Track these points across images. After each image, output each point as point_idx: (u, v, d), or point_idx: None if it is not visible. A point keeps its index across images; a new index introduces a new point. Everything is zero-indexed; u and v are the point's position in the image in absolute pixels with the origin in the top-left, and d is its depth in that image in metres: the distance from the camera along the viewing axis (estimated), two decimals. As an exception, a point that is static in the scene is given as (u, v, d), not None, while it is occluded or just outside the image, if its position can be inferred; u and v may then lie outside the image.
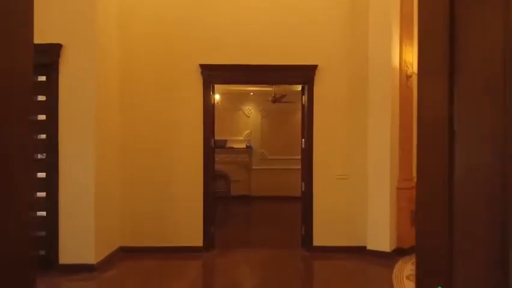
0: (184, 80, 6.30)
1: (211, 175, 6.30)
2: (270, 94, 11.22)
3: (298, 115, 11.91)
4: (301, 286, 5.34)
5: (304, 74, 6.36)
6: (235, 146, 11.84)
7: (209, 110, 6.27)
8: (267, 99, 11.46)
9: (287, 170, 11.90)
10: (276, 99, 9.45)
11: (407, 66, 6.29)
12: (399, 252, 6.14)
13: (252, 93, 11.60)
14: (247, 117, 12.04)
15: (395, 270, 5.55)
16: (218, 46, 6.31)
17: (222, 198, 11.63)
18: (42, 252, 5.39)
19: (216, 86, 6.76)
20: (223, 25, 6.34)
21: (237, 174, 11.80)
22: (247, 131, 12.01)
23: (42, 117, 5.39)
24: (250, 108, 12.03)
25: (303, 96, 6.56)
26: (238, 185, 11.80)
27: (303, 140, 6.51)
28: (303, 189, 6.56)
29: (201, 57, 6.28)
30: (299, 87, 11.31)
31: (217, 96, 9.28)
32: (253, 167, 11.95)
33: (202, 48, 6.30)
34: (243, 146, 11.90)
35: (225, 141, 11.83)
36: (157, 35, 6.31)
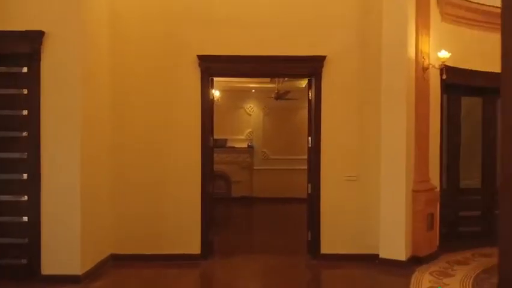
0: (180, 73, 5.77)
1: (209, 176, 5.78)
2: (272, 91, 10.71)
3: (303, 113, 11.40)
4: (309, 299, 4.83)
5: (312, 66, 5.84)
6: (236, 146, 11.33)
7: (208, 105, 5.75)
8: (270, 96, 10.94)
9: (291, 170, 11.37)
10: (279, 96, 8.95)
11: (423, 58, 5.77)
12: (415, 261, 5.61)
13: (253, 90, 11.09)
14: (249, 116, 11.53)
15: (412, 281, 5.02)
16: (217, 36, 5.79)
17: (222, 200, 11.12)
18: (23, 261, 4.88)
19: (215, 82, 6.25)
20: (223, 13, 5.82)
21: (238, 174, 11.29)
22: (249, 130, 11.50)
23: (23, 112, 4.88)
24: (251, 106, 11.52)
25: (310, 91, 6.04)
26: (240, 186, 11.28)
27: (310, 138, 5.99)
28: (309, 191, 6.05)
29: (199, 48, 5.75)
30: (303, 84, 10.79)
31: (216, 93, 8.78)
32: (255, 167, 11.43)
33: (201, 37, 5.78)
34: (244, 145, 11.39)
35: (226, 140, 11.32)
36: (151, 23, 5.79)
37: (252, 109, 11.52)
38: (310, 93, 6.04)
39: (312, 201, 5.94)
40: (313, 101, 5.91)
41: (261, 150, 11.48)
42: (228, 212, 10.57)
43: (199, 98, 5.69)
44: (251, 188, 11.37)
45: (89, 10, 5.10)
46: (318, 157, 5.83)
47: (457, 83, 6.44)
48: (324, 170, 5.82)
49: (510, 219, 3.51)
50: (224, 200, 11.16)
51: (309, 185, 6.04)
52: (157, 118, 5.70)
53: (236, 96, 11.31)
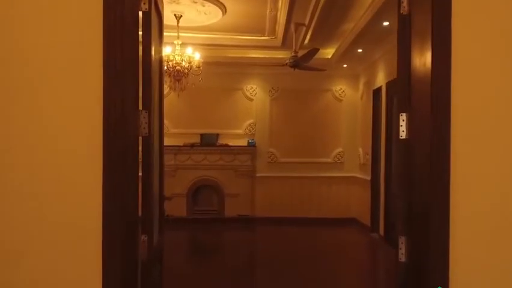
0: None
1: (132, 200, 2.38)
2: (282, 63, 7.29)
3: (327, 97, 8.08)
4: None
5: None
6: (231, 144, 7.95)
7: (131, 55, 2.33)
8: (281, 65, 7.56)
9: (309, 179, 8.04)
10: (296, 63, 5.55)
11: None
12: None
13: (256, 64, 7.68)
14: (250, 101, 8.14)
15: None
16: None
17: (211, 222, 7.80)
18: None
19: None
20: None
21: (234, 185, 7.91)
22: (250, 122, 8.11)
23: None
24: (254, 87, 8.12)
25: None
26: (236, 202, 7.91)
27: (403, 120, 2.53)
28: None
29: None
30: (330, 53, 7.43)
31: (196, 56, 5.36)
32: (258, 175, 8.06)
33: None
34: (244, 143, 8.01)
35: (216, 136, 7.95)
36: None
37: (255, 91, 8.13)
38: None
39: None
40: (434, 60, 2.46)
41: (266, 151, 8.10)
42: (217, 240, 7.20)
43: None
44: (252, 203, 7.99)
45: None
46: (445, 168, 2.40)
47: None
48: (460, 194, 2.42)
49: None
50: (214, 222, 7.80)
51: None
52: None
53: (231, 73, 7.92)
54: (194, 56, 5.20)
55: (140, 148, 2.09)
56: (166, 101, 7.53)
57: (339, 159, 8.09)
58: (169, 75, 5.17)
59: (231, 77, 7.97)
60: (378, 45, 6.19)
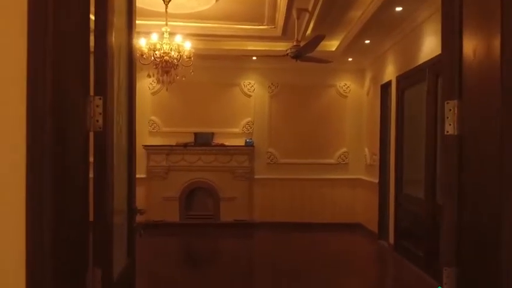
0: None
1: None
2: (282, 56, 6.74)
3: (331, 93, 7.52)
4: None
5: None
6: (227, 143, 7.39)
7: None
8: (280, 65, 7.02)
9: (312, 181, 7.51)
10: (299, 53, 4.98)
11: None
12: None
13: (255, 57, 7.12)
14: (247, 97, 7.57)
15: None
16: None
17: (206, 227, 7.26)
18: None
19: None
20: None
21: (230, 187, 7.36)
22: (247, 120, 7.55)
23: None
24: (251, 82, 7.56)
25: None
26: (233, 206, 7.35)
27: (452, 111, 1.95)
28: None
29: None
30: (334, 46, 6.88)
31: (187, 46, 4.78)
32: (257, 176, 7.50)
33: None
34: (241, 142, 7.45)
35: (211, 135, 7.39)
36: None
37: (253, 87, 7.57)
38: None
39: None
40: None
41: (265, 151, 7.54)
42: (212, 247, 6.65)
43: None
44: (250, 208, 7.44)
45: None
46: None
47: None
48: None
49: None
50: (209, 228, 7.26)
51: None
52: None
53: (227, 67, 7.36)
54: (184, 45, 4.64)
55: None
56: (156, 98, 6.95)
57: (344, 160, 7.53)
58: (157, 67, 4.60)
59: (227, 72, 7.41)
60: (389, 35, 5.64)
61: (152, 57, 4.53)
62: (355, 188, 7.45)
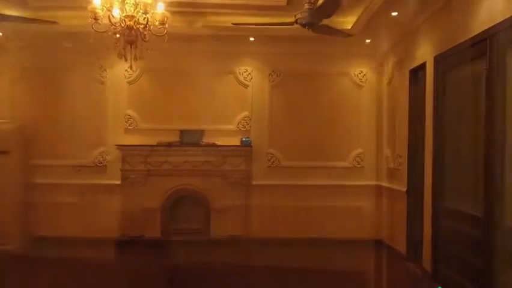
0: None
1: None
2: (286, 32, 5.50)
3: (344, 81, 6.22)
4: None
5: None
6: (220, 143, 6.12)
7: None
8: (283, 48, 5.78)
9: (320, 188, 6.27)
10: (312, 19, 3.68)
11: None
12: None
13: (252, 39, 5.85)
14: (244, 87, 6.30)
15: None
16: None
17: (194, 244, 5.99)
18: None
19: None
20: None
21: (223, 196, 6.08)
22: (244, 115, 6.28)
23: None
24: (248, 69, 6.29)
25: None
26: (226, 218, 6.08)
27: None
28: None
29: None
30: (350, 23, 5.61)
31: (160, 8, 3.50)
32: (255, 183, 6.24)
33: None
34: (236, 142, 6.18)
35: (201, 132, 6.12)
36: None
37: (250, 75, 6.30)
38: None
39: None
40: None
41: (265, 152, 6.27)
42: (201, 270, 5.36)
43: None
44: (247, 220, 6.17)
45: None
46: None
47: None
48: None
49: None
50: (198, 245, 5.99)
51: None
52: None
53: (219, 51, 6.10)
54: (155, 5, 3.37)
55: None
56: (134, 88, 5.55)
57: (359, 163, 6.27)
58: (116, 35, 3.32)
59: (219, 56, 6.14)
60: (425, 3, 4.39)
61: (110, 23, 3.25)
62: (374, 197, 6.19)
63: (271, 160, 6.27)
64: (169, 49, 6.00)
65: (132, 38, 3.37)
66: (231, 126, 6.24)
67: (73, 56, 6.01)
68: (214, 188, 6.08)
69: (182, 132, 6.06)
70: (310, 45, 5.85)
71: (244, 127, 6.24)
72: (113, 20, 3.23)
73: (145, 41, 3.39)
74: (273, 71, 6.27)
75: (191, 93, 6.18)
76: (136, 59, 3.45)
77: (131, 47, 3.42)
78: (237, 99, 6.26)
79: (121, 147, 5.99)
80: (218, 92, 6.23)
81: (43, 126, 6.08)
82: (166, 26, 3.46)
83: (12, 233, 5.76)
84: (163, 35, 3.47)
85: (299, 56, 6.14)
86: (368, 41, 5.87)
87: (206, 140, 6.10)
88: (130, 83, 6.17)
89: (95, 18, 3.24)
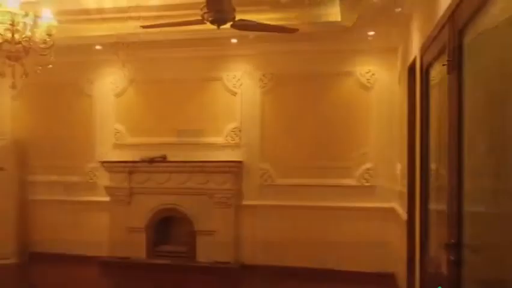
0: None
1: None
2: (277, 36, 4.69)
3: (348, 82, 5.17)
4: None
5: None
6: (206, 158, 5.52)
7: None
8: (275, 46, 5.01)
9: (321, 210, 5.34)
10: (220, 18, 2.90)
11: None
12: None
13: (234, 40, 5.13)
14: (232, 95, 5.61)
15: None
16: None
17: (176, 271, 5.48)
18: None
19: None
20: None
21: (210, 217, 5.46)
22: (233, 126, 5.58)
23: None
24: (237, 74, 5.58)
25: None
26: (212, 242, 5.44)
27: None
28: None
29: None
30: (336, 15, 4.56)
31: (45, 16, 3.00)
32: (245, 202, 5.51)
33: None
34: (224, 156, 5.52)
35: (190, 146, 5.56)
36: None
37: (239, 81, 5.58)
38: None
39: None
40: None
41: (257, 167, 5.50)
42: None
43: None
44: (237, 245, 5.47)
45: None
46: None
47: None
48: None
49: None
50: (180, 272, 5.45)
51: None
52: None
53: (205, 56, 5.50)
54: (36, 14, 2.87)
55: None
56: (122, 101, 5.23)
57: (368, 181, 5.19)
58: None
59: (204, 61, 5.54)
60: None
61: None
62: (385, 222, 5.07)
63: (264, 177, 5.48)
64: (153, 58, 5.65)
65: (16, 54, 2.93)
66: (219, 139, 5.59)
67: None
68: (199, 208, 5.49)
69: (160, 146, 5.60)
70: (304, 42, 4.98)
71: (233, 139, 5.55)
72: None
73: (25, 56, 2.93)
74: (263, 74, 5.48)
75: (176, 104, 5.67)
76: (23, 76, 3.00)
77: (16, 64, 2.98)
78: (225, 109, 5.59)
79: (104, 163, 5.70)
80: (204, 101, 5.62)
81: (38, 142, 6.05)
82: (53, 37, 2.95)
83: (9, 249, 5.81)
84: (50, 47, 2.97)
85: (292, 55, 5.30)
86: (371, 32, 4.81)
87: (191, 154, 5.54)
88: (117, 96, 5.86)
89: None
